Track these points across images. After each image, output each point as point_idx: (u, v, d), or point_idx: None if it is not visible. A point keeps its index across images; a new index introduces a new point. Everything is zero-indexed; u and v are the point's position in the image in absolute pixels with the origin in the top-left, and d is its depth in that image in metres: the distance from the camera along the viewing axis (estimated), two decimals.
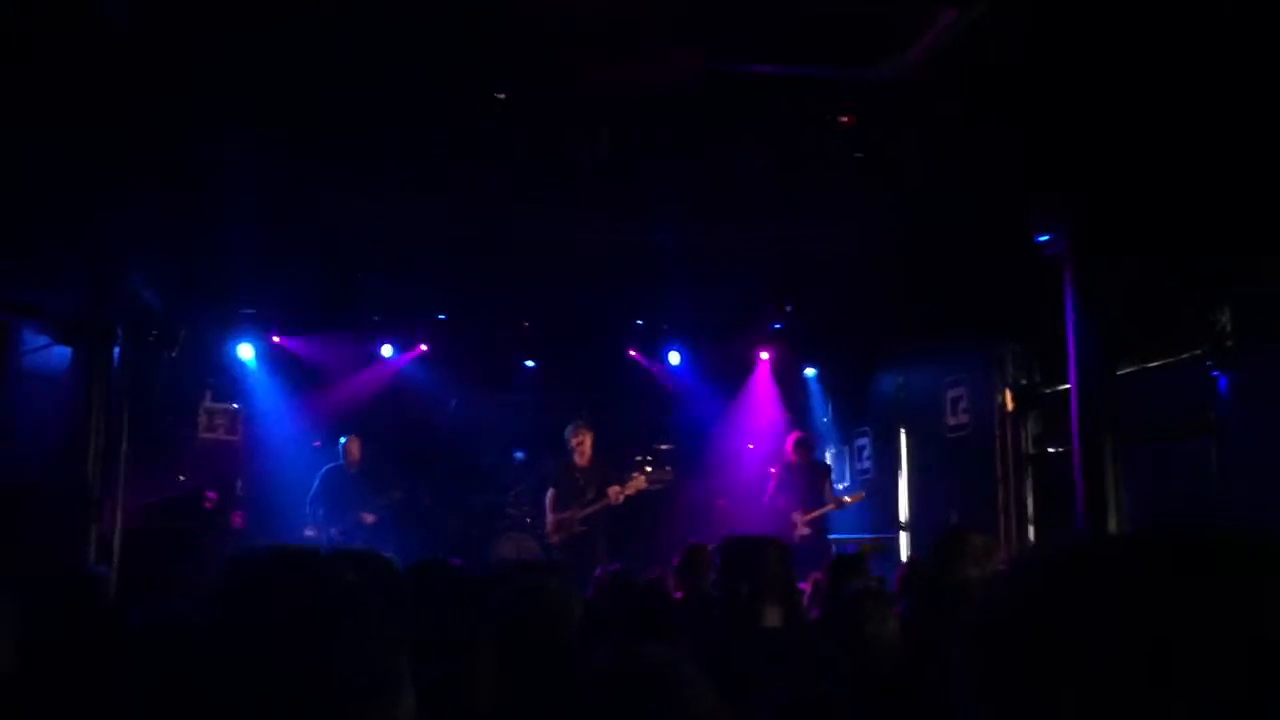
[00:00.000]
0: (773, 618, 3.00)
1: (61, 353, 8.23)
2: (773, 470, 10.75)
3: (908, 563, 4.90)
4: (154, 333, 9.51)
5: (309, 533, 10.10)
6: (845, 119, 6.63)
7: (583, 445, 9.85)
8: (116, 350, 8.26)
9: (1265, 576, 0.68)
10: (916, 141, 6.85)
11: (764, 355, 12.48)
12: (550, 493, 9.96)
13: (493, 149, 7.07)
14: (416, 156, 7.29)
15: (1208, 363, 7.35)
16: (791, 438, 10.75)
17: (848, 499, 10.74)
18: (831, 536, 10.53)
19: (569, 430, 9.98)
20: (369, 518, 10.23)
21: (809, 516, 10.11)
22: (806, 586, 5.30)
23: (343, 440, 10.61)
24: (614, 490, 9.62)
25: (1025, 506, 9.48)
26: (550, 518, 9.89)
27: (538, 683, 2.55)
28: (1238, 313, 7.17)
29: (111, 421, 8.11)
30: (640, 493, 9.89)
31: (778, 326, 11.80)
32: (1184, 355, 7.51)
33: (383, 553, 9.75)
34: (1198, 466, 7.38)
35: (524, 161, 7.23)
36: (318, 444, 11.42)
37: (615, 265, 9.49)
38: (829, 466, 11.34)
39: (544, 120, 6.79)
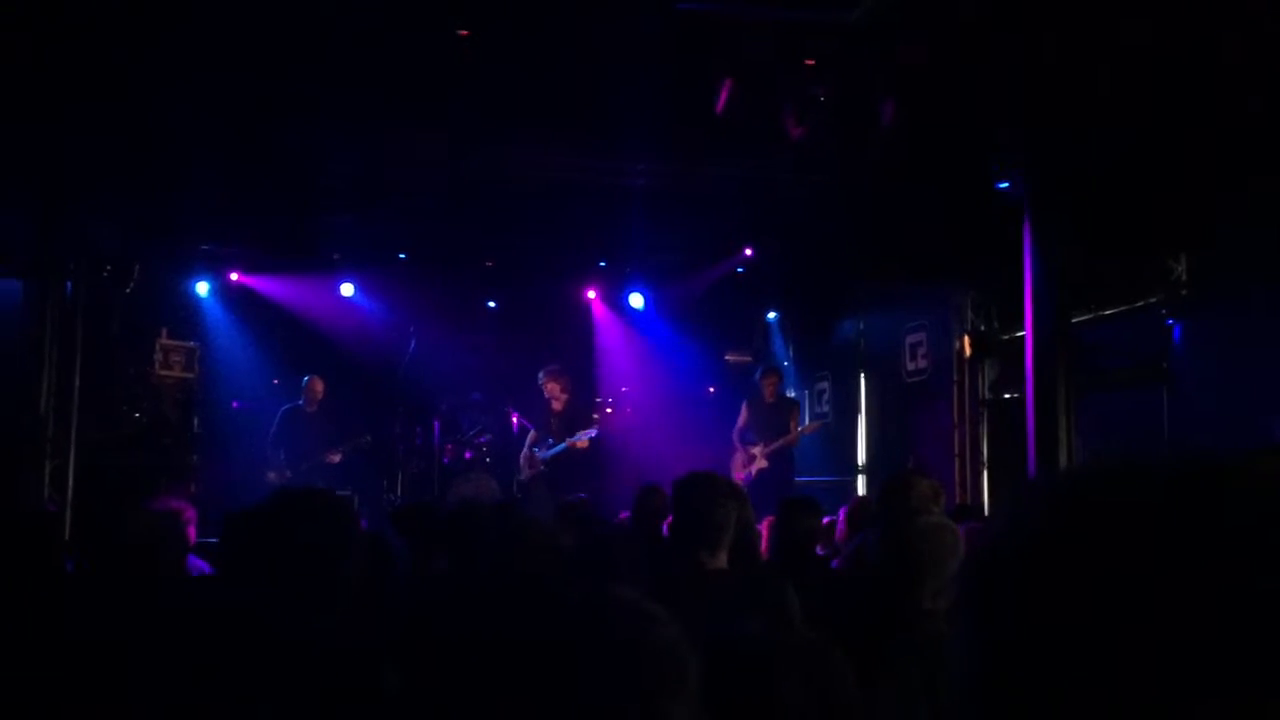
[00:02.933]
0: (717, 560, 3.01)
1: (12, 288, 8.10)
2: (743, 404, 10.79)
3: (856, 501, 4.95)
4: (108, 268, 9.37)
5: (270, 475, 10.04)
6: (809, 61, 6.57)
7: (553, 391, 10.11)
8: (69, 286, 8.13)
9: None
10: (880, 86, 6.82)
11: (725, 298, 12.46)
12: (531, 433, 10.42)
13: (458, 85, 6.97)
14: (379, 93, 7.17)
15: (1162, 311, 7.44)
16: (761, 371, 10.83)
17: (806, 428, 10.84)
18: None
19: (540, 376, 10.23)
20: (334, 457, 10.19)
21: (768, 449, 10.19)
22: (763, 527, 5.33)
23: (305, 380, 10.52)
24: (581, 435, 9.92)
25: (980, 451, 9.61)
26: (524, 455, 10.40)
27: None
28: (1194, 261, 7.25)
29: (64, 358, 7.99)
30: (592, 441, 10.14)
31: (740, 270, 11.79)
32: (1139, 303, 7.60)
33: (342, 492, 9.73)
34: (1150, 413, 7.49)
35: (489, 99, 7.14)
36: (276, 382, 11.34)
37: (579, 205, 9.43)
38: (796, 402, 11.38)
39: (510, 57, 6.70)
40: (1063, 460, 6.58)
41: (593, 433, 10.08)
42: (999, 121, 6.78)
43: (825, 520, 5.47)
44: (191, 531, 5.07)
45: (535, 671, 1.38)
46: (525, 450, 10.43)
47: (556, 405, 10.22)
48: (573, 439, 9.96)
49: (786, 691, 1.73)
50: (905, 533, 2.69)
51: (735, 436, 10.56)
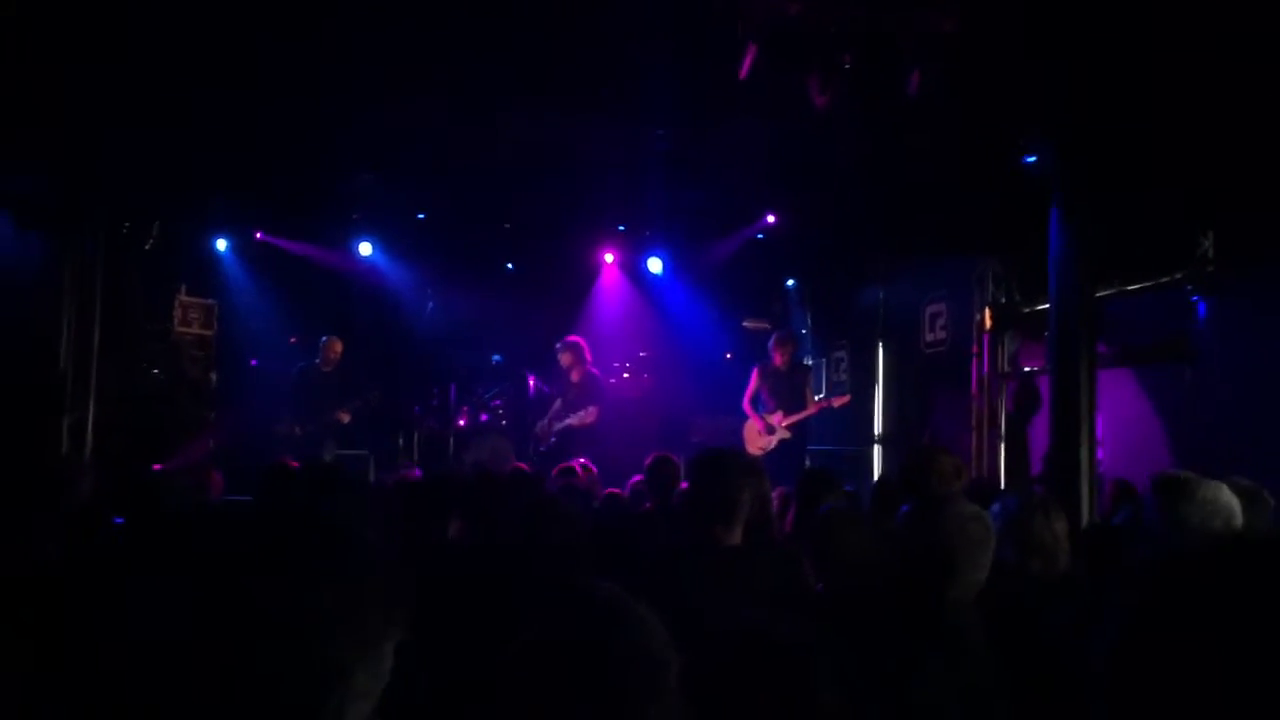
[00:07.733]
0: (732, 536, 2.97)
1: (32, 243, 8.10)
2: (753, 370, 10.63)
3: (879, 480, 4.90)
4: (127, 224, 9.36)
5: (278, 430, 10.07)
6: (832, 27, 6.47)
7: (568, 361, 10.15)
8: (89, 242, 8.12)
9: None
10: (907, 54, 6.71)
11: (744, 265, 12.39)
12: (557, 402, 10.50)
13: (478, 47, 6.91)
14: (399, 53, 7.11)
15: (1187, 287, 7.35)
16: (775, 337, 10.62)
17: (834, 402, 10.62)
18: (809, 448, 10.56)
19: (557, 348, 10.31)
20: (344, 417, 10.19)
21: (790, 420, 10.06)
22: (775, 495, 5.27)
23: (324, 340, 10.52)
24: (576, 415, 10.05)
25: (998, 424, 9.54)
26: (542, 425, 10.52)
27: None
28: (1221, 237, 7.15)
29: (84, 314, 8.01)
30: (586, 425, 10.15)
31: (760, 237, 11.71)
32: (1164, 279, 7.51)
33: (356, 451, 9.73)
34: (1172, 390, 7.43)
35: (508, 60, 7.07)
36: (293, 340, 11.35)
37: (598, 168, 9.37)
38: (810, 368, 11.18)
39: (531, 18, 6.62)
40: (1083, 436, 6.52)
41: (589, 417, 10.03)
42: (1027, 93, 6.68)
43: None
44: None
45: (510, 669, 1.35)
46: (544, 420, 10.44)
47: (575, 375, 10.21)
48: (571, 419, 10.01)
49: (823, 688, 1.69)
50: (938, 523, 2.61)
51: (746, 404, 10.39)
